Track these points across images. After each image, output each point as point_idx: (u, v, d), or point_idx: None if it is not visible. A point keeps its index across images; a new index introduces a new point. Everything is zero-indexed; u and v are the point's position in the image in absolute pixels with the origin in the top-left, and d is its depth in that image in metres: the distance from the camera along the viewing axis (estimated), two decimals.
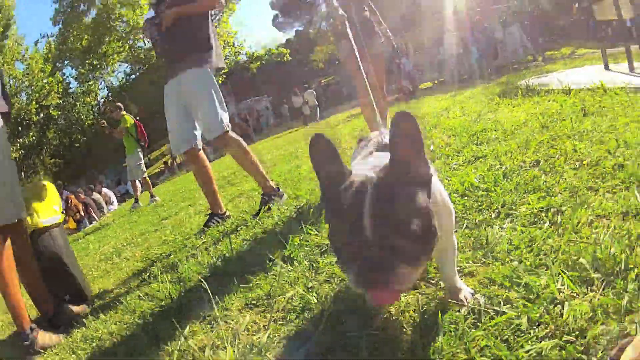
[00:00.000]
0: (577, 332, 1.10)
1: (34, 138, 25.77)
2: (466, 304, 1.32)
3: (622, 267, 1.25)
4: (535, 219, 1.79)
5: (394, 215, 1.00)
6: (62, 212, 3.47)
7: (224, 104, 3.87)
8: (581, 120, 3.04)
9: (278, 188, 4.00)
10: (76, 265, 3.44)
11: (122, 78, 33.37)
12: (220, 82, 3.43)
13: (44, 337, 2.64)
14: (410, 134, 1.06)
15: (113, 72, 31.04)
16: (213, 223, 3.92)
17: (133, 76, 32.84)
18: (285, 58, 29.75)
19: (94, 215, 13.93)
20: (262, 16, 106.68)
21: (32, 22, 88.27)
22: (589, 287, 1.24)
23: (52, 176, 33.56)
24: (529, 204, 1.90)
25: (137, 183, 10.47)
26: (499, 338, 1.16)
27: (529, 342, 1.10)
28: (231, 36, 29.43)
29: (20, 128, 25.23)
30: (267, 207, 3.69)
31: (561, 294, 1.23)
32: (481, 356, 1.12)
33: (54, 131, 26.16)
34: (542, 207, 1.84)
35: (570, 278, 1.27)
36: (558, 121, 3.20)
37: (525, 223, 1.78)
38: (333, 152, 1.11)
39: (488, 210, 2.02)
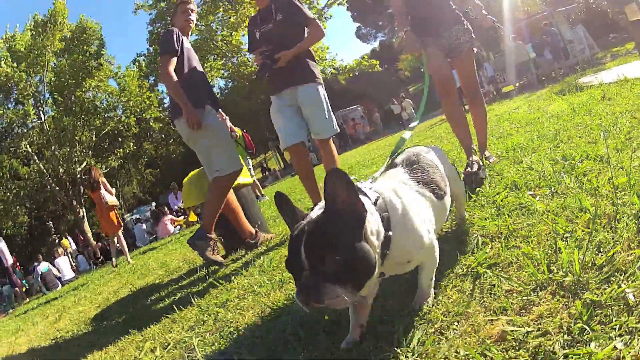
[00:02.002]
0: None
1: (134, 148, 28.49)
2: (422, 304, 1.64)
3: None
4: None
5: (316, 249, 1.31)
6: (249, 176, 5.29)
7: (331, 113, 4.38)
8: (597, 103, 4.45)
9: None
10: (257, 209, 5.33)
11: (217, 92, 36.32)
12: None
13: (264, 236, 4.53)
14: (340, 187, 1.35)
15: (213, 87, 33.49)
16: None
17: (226, 90, 35.52)
18: (375, 68, 31.18)
19: None
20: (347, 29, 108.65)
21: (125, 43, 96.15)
22: None
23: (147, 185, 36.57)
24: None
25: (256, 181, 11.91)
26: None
27: None
28: (324, 51, 31.24)
29: (120, 139, 28.17)
30: None
31: None
32: None
33: (149, 142, 28.57)
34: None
35: None
36: (582, 106, 4.67)
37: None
38: (289, 204, 1.50)
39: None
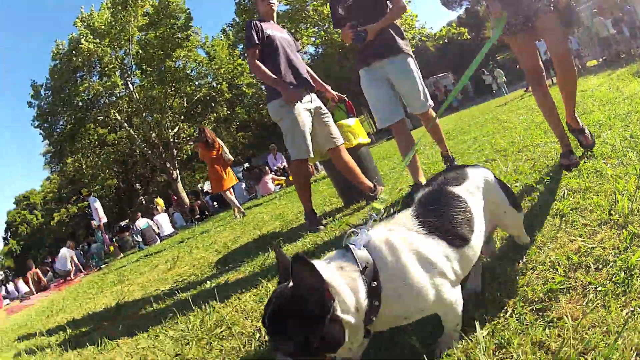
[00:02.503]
0: None
1: (227, 112, 29.92)
2: (443, 350, 1.60)
3: None
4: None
5: (276, 332, 1.36)
6: (366, 137, 5.80)
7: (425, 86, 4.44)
8: None
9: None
10: (374, 166, 5.85)
11: (308, 59, 37.57)
12: None
13: (381, 189, 4.84)
14: (304, 275, 1.32)
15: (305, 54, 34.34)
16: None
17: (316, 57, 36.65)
18: (464, 36, 31.03)
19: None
20: None
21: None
22: None
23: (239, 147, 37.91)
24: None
25: None
26: None
27: None
28: (414, 20, 31.29)
29: (213, 104, 29.61)
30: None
31: None
32: None
33: (241, 107, 29.86)
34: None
35: None
36: None
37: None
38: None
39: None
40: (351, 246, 1.50)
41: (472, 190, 1.73)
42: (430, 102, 4.42)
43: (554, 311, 1.63)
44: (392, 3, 4.32)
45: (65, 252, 16.04)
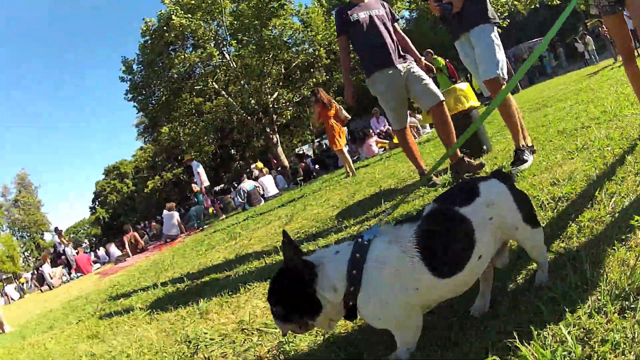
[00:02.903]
0: None
1: (326, 77, 30.25)
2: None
3: None
4: None
5: (270, 299, 1.77)
6: (477, 101, 6.02)
7: (504, 55, 4.44)
8: None
9: (532, 147, 4.58)
10: (484, 132, 6.01)
11: (403, 23, 37.72)
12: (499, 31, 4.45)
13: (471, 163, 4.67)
14: (286, 250, 1.70)
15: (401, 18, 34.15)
16: (519, 161, 4.19)
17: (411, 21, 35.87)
18: (554, 1, 29.37)
19: None
20: None
21: None
22: None
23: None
24: None
25: None
26: None
27: None
28: None
29: (311, 70, 29.99)
30: (519, 162, 4.18)
31: None
32: None
33: (338, 72, 29.86)
34: None
35: None
36: None
37: None
38: (291, 244, 1.70)
39: None
40: (363, 236, 1.71)
41: (479, 210, 1.69)
42: (503, 74, 4.34)
43: None
44: None
45: (168, 215, 16.75)
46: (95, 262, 19.23)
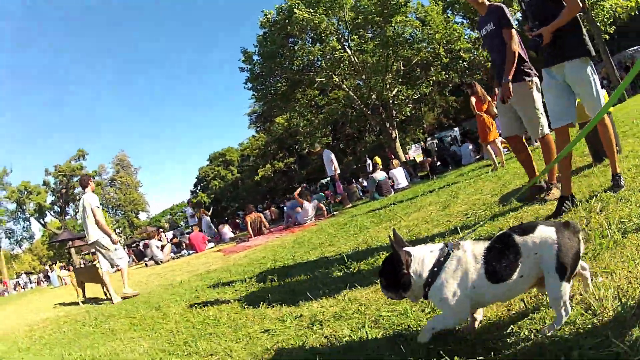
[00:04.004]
0: None
1: (445, 76, 30.29)
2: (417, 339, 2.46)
3: None
4: None
5: (379, 274, 2.55)
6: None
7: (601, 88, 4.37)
8: None
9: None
10: (616, 133, 5.52)
11: (516, 23, 35.99)
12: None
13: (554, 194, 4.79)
14: (393, 241, 2.47)
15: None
16: (617, 187, 4.22)
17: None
18: None
19: None
20: None
21: None
22: None
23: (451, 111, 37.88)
24: None
25: None
26: None
27: None
28: None
29: (431, 67, 30.25)
30: (617, 187, 4.21)
31: None
32: None
33: (454, 71, 30.00)
34: None
35: None
36: None
37: None
38: (397, 238, 2.50)
39: None
40: (450, 244, 2.37)
41: (529, 243, 2.17)
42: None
43: None
44: (567, 2, 4.22)
45: (307, 205, 16.40)
46: (209, 241, 19.52)
